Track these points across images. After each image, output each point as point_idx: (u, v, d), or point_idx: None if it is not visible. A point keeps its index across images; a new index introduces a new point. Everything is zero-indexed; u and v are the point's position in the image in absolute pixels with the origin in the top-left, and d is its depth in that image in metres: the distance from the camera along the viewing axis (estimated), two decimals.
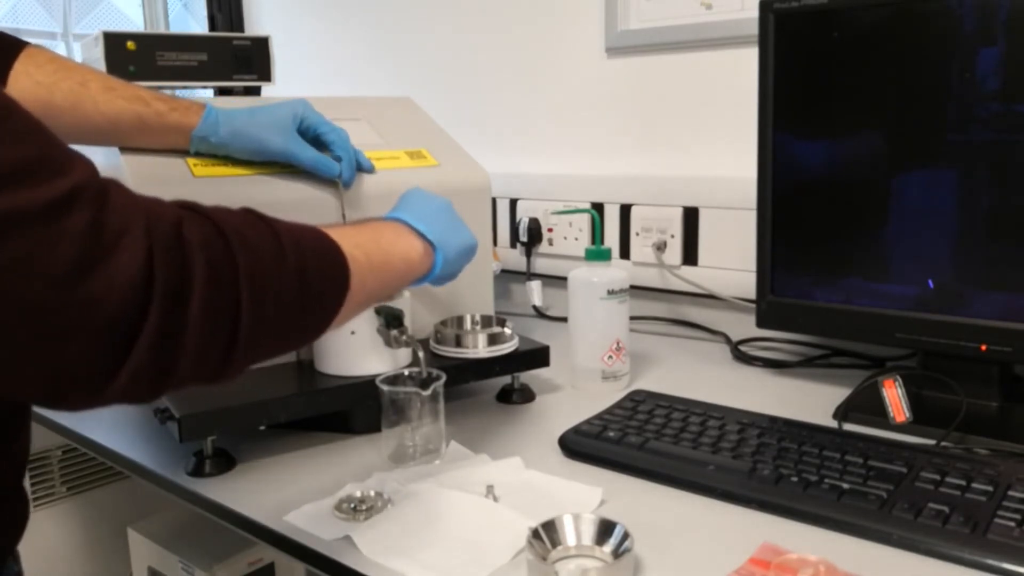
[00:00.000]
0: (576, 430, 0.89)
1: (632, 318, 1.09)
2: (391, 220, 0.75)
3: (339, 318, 0.62)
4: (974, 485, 0.72)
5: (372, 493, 0.77)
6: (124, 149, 0.92)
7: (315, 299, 0.59)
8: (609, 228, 1.41)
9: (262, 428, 0.91)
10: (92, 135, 0.88)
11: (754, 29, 1.03)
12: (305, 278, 0.57)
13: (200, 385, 0.52)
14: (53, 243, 0.43)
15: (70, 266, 0.43)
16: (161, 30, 2.14)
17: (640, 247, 1.37)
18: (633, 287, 1.17)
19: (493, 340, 0.98)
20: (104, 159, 0.98)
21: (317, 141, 0.96)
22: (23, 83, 0.82)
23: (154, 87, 0.94)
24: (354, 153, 0.97)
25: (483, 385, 1.07)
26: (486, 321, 1.06)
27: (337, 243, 0.62)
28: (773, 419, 0.90)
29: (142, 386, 0.48)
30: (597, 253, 1.07)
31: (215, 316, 0.49)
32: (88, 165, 0.47)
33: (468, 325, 1.05)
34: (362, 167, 0.99)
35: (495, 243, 1.50)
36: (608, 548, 0.66)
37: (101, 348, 0.45)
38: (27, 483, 0.70)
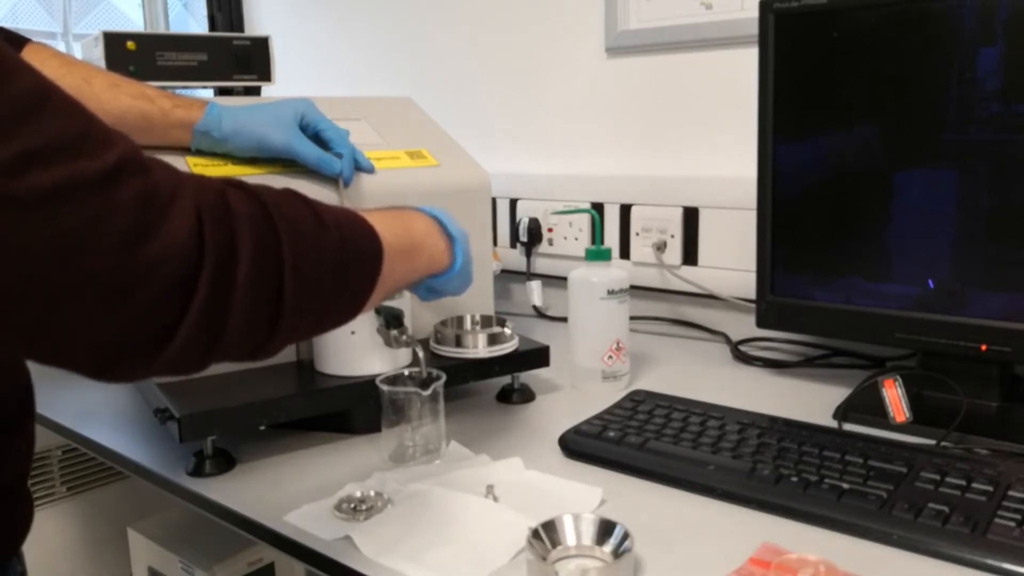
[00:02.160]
0: (576, 430, 0.89)
1: (632, 318, 1.09)
2: (425, 214, 0.75)
3: (371, 300, 0.63)
4: (974, 485, 0.72)
5: (372, 493, 0.77)
6: None
7: (352, 276, 0.60)
8: (609, 228, 1.41)
9: (262, 428, 0.91)
10: None
11: (754, 29, 1.03)
12: (344, 254, 0.58)
13: (243, 359, 0.54)
14: (109, 211, 0.44)
15: (126, 233, 0.44)
16: (161, 30, 2.14)
17: (640, 247, 1.37)
18: (633, 287, 1.17)
19: (493, 340, 0.98)
20: None
21: (317, 139, 0.96)
22: None
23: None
24: (353, 152, 0.98)
25: (483, 385, 1.07)
26: (486, 321, 1.06)
27: (372, 225, 0.63)
28: (773, 419, 0.90)
29: (192, 353, 0.49)
30: (597, 253, 1.07)
31: (261, 283, 0.51)
32: (129, 139, 0.48)
33: (468, 325, 1.05)
34: (361, 167, 0.99)
35: (495, 243, 1.49)
36: (608, 548, 0.66)
37: (156, 314, 0.46)
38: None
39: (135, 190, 0.45)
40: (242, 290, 0.49)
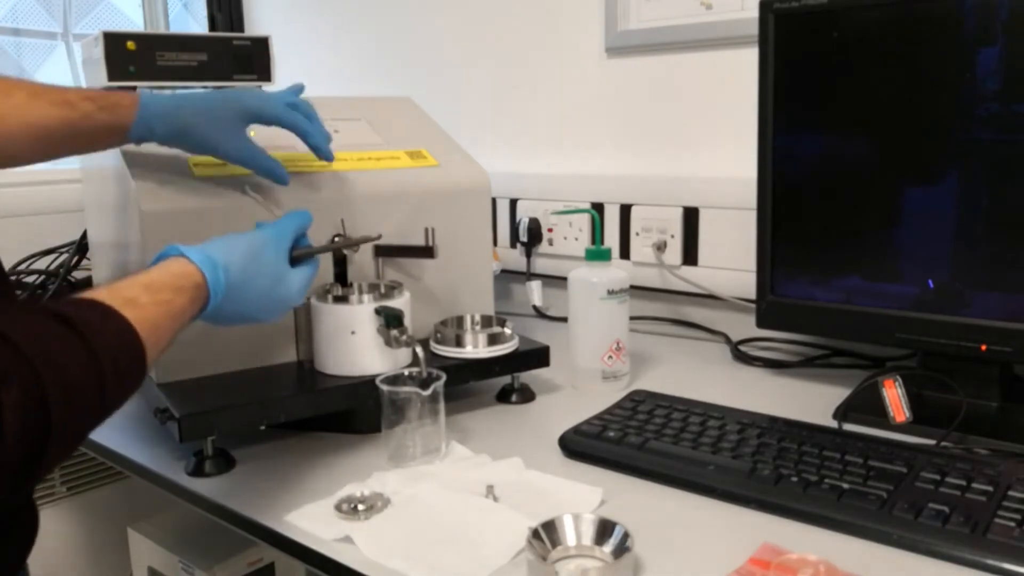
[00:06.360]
0: (576, 430, 0.89)
1: (632, 318, 1.09)
2: (178, 256, 0.70)
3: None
4: (974, 485, 0.72)
5: (372, 493, 0.77)
6: (125, 152, 0.92)
7: (120, 394, 0.58)
8: (609, 228, 1.41)
9: (262, 428, 0.91)
10: (24, 149, 0.80)
11: (754, 29, 1.03)
12: (116, 376, 0.56)
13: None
14: None
15: None
16: (161, 30, 2.13)
17: (640, 247, 1.37)
18: (633, 287, 1.17)
19: (493, 340, 0.98)
20: (108, 161, 0.98)
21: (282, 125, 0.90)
22: None
23: (154, 87, 0.93)
24: (320, 129, 0.91)
25: (483, 385, 1.07)
26: (486, 321, 1.06)
27: (135, 330, 0.59)
28: (773, 419, 0.90)
29: None
30: (597, 253, 1.07)
31: (25, 453, 0.48)
32: None
33: (468, 325, 1.05)
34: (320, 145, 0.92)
35: (495, 243, 1.49)
36: (608, 548, 0.66)
37: None
38: None
39: None
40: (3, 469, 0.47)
